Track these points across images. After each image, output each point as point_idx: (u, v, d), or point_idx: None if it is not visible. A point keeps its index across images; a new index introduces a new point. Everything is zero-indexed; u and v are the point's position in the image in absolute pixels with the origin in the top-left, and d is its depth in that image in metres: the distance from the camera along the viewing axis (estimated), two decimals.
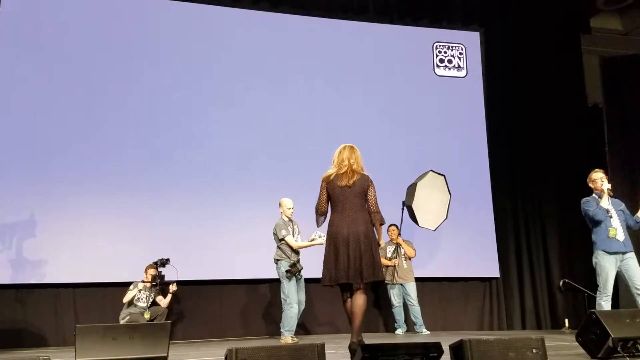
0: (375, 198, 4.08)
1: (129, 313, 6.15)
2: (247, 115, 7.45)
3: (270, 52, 7.69)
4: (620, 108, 7.87)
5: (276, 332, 6.74)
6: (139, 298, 6.24)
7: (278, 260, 5.99)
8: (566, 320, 7.53)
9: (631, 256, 5.26)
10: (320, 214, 4.17)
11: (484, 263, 7.88)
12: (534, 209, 8.28)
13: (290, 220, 6.11)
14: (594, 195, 5.46)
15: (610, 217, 5.30)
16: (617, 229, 5.26)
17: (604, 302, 5.15)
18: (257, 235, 6.84)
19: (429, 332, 6.79)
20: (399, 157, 7.76)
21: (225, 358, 2.72)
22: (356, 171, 4.06)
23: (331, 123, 7.61)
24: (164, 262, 6.26)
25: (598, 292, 5.24)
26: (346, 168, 4.05)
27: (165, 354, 2.65)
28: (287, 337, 5.78)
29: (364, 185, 4.04)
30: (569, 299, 7.75)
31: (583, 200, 5.46)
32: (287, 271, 5.88)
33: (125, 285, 6.26)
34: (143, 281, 6.27)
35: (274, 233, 6.06)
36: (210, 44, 7.55)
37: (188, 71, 7.40)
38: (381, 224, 4.15)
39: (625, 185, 7.07)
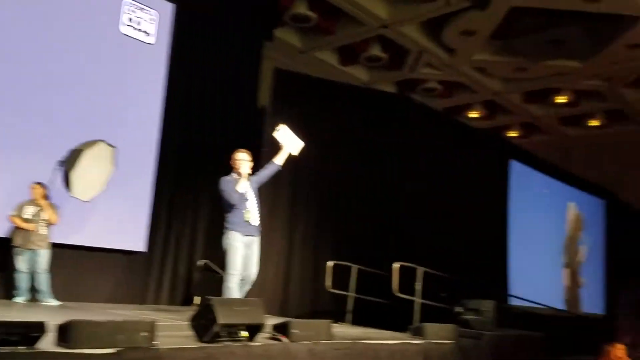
0: None
1: None
2: None
3: None
4: (282, 116, 8.74)
5: None
6: None
7: None
8: (197, 298, 8.04)
9: (257, 241, 5.42)
10: None
11: (131, 237, 7.79)
12: (191, 194, 8.57)
13: None
14: (233, 174, 5.41)
15: (247, 200, 5.35)
16: (251, 212, 5.36)
17: (232, 283, 5.18)
18: None
19: (59, 303, 6.34)
20: (66, 111, 7.10)
21: None
22: None
23: None
24: None
25: (227, 273, 5.25)
26: None
27: None
28: None
29: None
30: (206, 279, 8.29)
31: (222, 179, 5.34)
32: None
33: None
34: None
35: None
36: None
37: None
38: None
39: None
